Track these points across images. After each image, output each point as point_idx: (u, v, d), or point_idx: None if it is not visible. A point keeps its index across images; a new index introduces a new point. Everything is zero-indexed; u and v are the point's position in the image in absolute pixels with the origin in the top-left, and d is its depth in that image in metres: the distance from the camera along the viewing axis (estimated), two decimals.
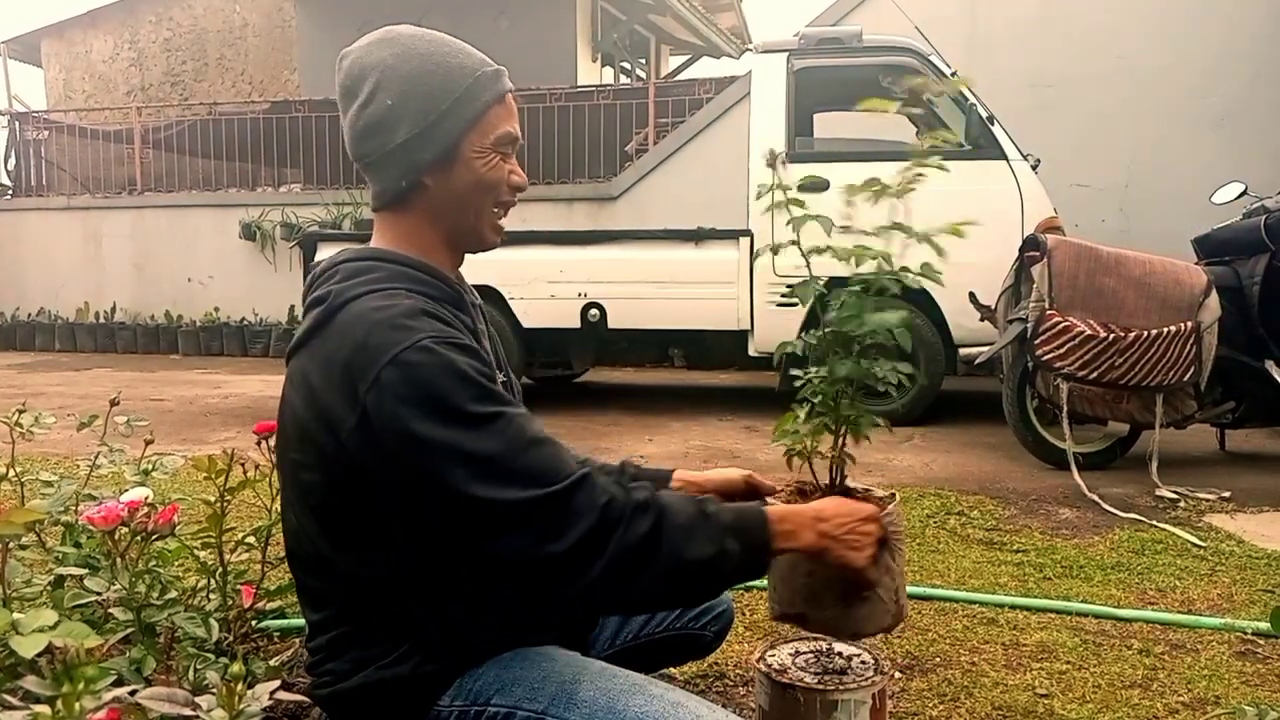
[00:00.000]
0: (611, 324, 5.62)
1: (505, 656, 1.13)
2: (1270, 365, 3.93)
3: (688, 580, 1.05)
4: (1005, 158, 5.17)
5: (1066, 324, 3.80)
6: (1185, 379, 3.79)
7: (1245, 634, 2.23)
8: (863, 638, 1.31)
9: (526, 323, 5.63)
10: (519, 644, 1.15)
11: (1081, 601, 2.45)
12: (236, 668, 0.89)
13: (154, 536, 1.51)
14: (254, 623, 1.79)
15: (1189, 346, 3.77)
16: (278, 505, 1.71)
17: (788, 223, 1.30)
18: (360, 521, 1.09)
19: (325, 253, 5.88)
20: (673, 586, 1.05)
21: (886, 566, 1.22)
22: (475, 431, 1.01)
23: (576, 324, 5.64)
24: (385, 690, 1.12)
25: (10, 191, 11.23)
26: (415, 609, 1.11)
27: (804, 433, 1.30)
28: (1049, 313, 3.85)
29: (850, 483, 1.38)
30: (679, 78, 14.37)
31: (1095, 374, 3.78)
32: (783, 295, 5.25)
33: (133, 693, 0.87)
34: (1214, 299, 3.82)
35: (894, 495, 1.30)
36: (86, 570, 1.49)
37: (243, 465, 1.71)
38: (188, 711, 0.87)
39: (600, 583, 1.00)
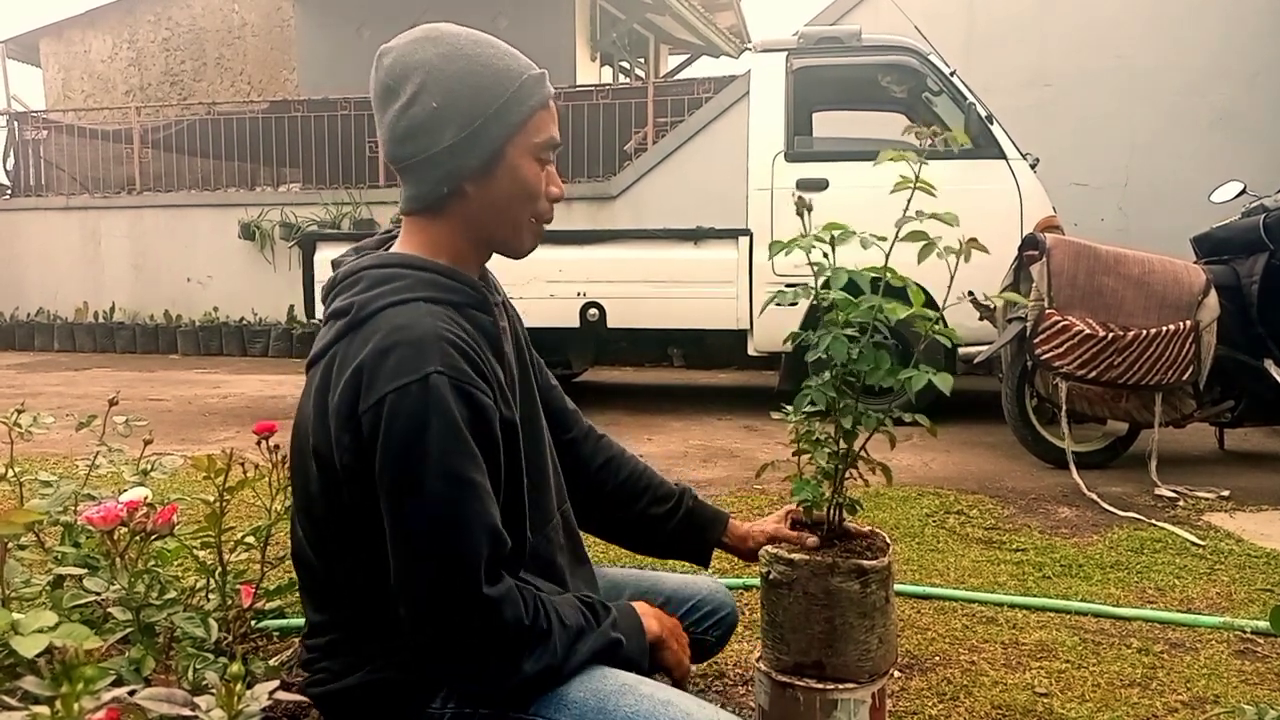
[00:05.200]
0: (611, 323, 5.62)
1: None
2: (1269, 364, 3.93)
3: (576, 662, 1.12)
4: (1004, 157, 5.16)
5: (1065, 323, 3.81)
6: (1184, 378, 3.79)
7: (1244, 633, 2.23)
8: (879, 676, 1.31)
9: (525, 322, 5.58)
10: None
11: (1081, 600, 2.45)
12: (235, 668, 0.89)
13: (153, 536, 1.50)
14: (253, 622, 1.78)
15: (1188, 345, 3.77)
16: (277, 505, 1.72)
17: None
18: (356, 534, 1.09)
19: (324, 253, 5.90)
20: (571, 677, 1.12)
21: (885, 603, 1.28)
22: (440, 486, 1.01)
23: (576, 323, 5.64)
24: (377, 691, 1.12)
25: (9, 191, 11.22)
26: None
27: (819, 488, 1.34)
28: (1048, 312, 3.85)
29: (849, 524, 1.39)
30: (678, 77, 14.38)
31: (1094, 373, 3.78)
32: (775, 297, 5.32)
33: (132, 693, 0.87)
34: (1213, 298, 3.82)
35: (889, 544, 1.35)
36: (85, 570, 1.48)
37: (242, 465, 1.71)
38: (187, 712, 0.87)
39: (516, 683, 1.07)
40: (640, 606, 1.23)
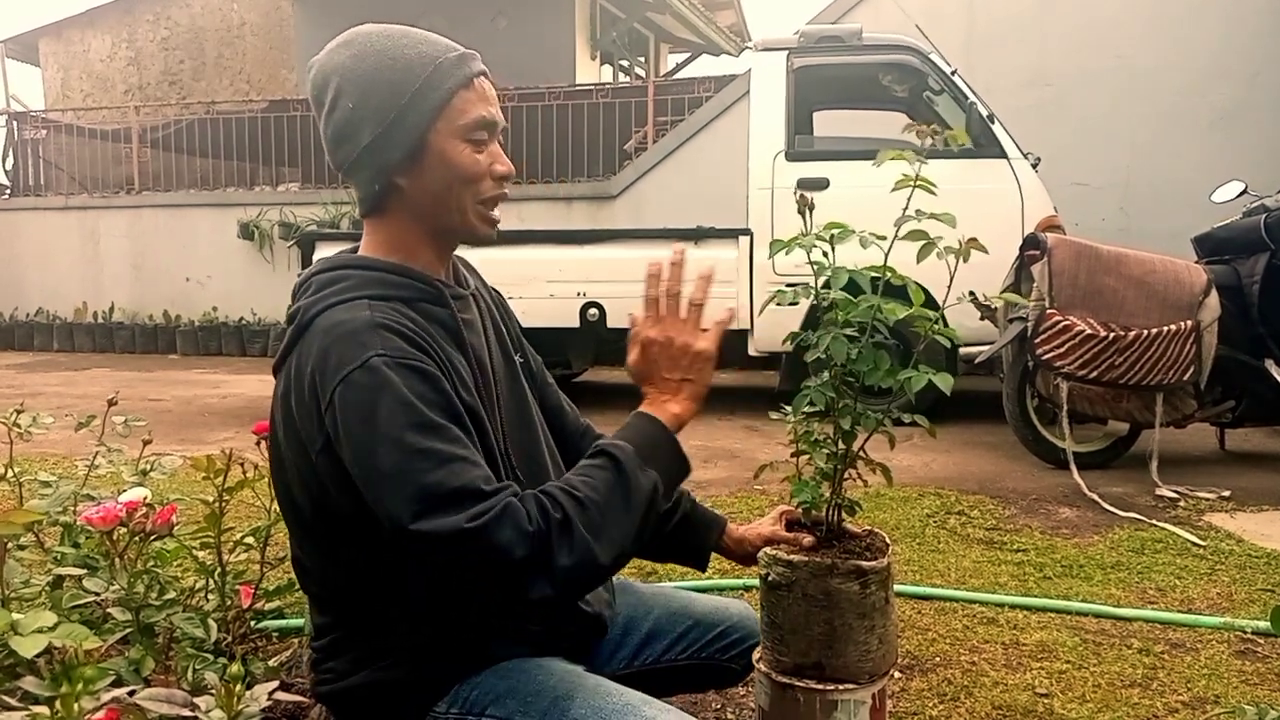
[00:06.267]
0: (611, 323, 5.62)
1: (504, 666, 1.12)
2: (1270, 364, 3.93)
3: (638, 535, 1.05)
4: (1005, 156, 5.16)
5: (1067, 323, 3.80)
6: (1185, 378, 3.79)
7: (1245, 633, 2.23)
8: (878, 677, 1.31)
9: (525, 322, 5.50)
10: (514, 654, 1.14)
11: (1081, 601, 2.45)
12: (235, 668, 0.89)
13: (152, 537, 1.50)
14: (252, 623, 1.78)
15: (1189, 345, 3.77)
16: (277, 506, 1.72)
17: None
18: (343, 538, 1.09)
19: (323, 252, 5.89)
20: (632, 545, 1.05)
21: (885, 603, 1.28)
22: (403, 460, 0.98)
23: (575, 323, 5.64)
24: (383, 691, 1.12)
25: (8, 191, 11.22)
26: (408, 618, 1.11)
27: (818, 489, 1.33)
28: (1049, 312, 3.84)
29: (847, 525, 1.39)
30: (678, 76, 14.38)
31: (1095, 373, 3.78)
32: (775, 297, 5.34)
33: (131, 693, 0.87)
34: (1214, 298, 3.82)
35: (888, 545, 1.35)
36: (85, 571, 1.48)
37: (241, 465, 1.71)
38: (186, 712, 0.86)
39: (561, 585, 0.99)
40: (654, 405, 1.13)
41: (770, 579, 1.32)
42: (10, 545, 1.38)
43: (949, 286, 1.29)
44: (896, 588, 2.04)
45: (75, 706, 0.80)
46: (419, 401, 1.01)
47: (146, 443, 1.97)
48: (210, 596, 1.71)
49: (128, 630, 1.40)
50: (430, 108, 1.09)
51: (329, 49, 1.14)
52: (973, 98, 5.23)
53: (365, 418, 1.00)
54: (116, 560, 1.47)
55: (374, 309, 1.06)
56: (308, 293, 1.14)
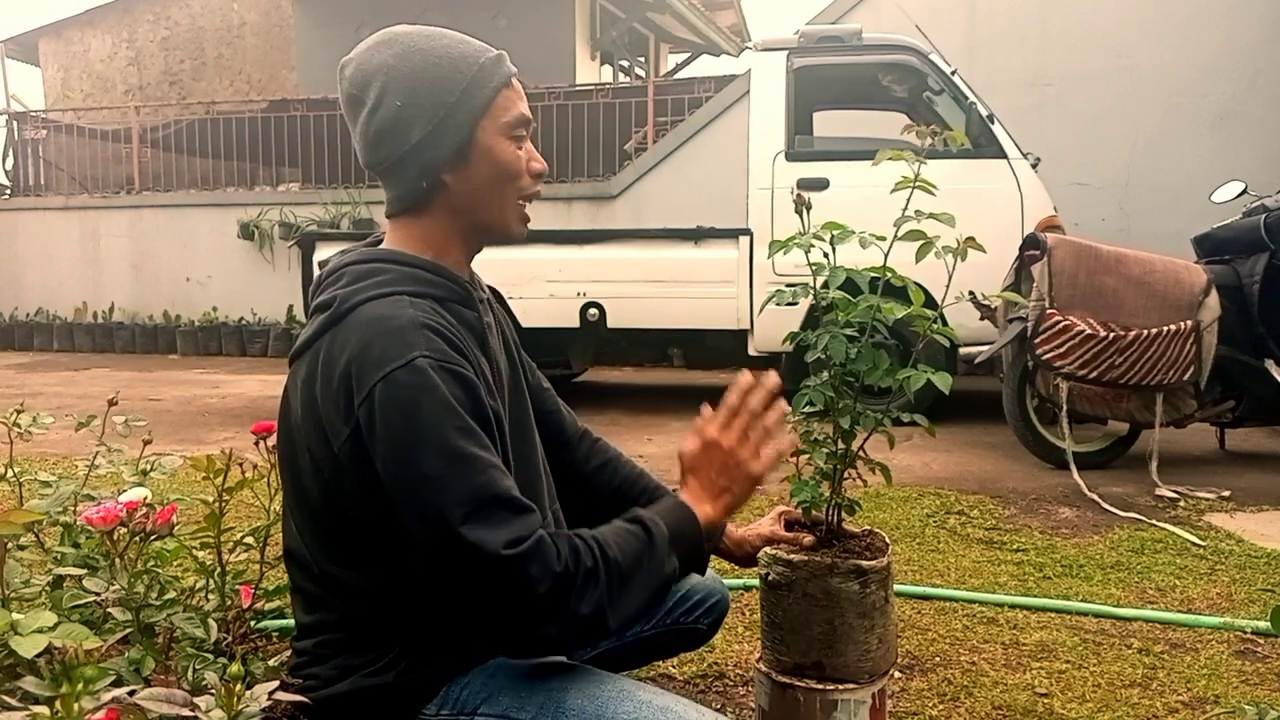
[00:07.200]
0: (610, 323, 5.62)
1: (491, 665, 1.12)
2: (1270, 364, 3.93)
3: (642, 611, 1.09)
4: (1005, 156, 5.16)
5: (1066, 323, 3.80)
6: (1185, 378, 3.79)
7: (1244, 633, 2.23)
8: (878, 677, 1.31)
9: (525, 322, 5.62)
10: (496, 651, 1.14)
11: (1081, 601, 2.45)
12: (235, 668, 0.89)
13: (152, 537, 1.50)
14: (252, 623, 1.78)
15: (1189, 345, 3.77)
16: (276, 505, 1.72)
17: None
18: (353, 531, 1.09)
19: (323, 252, 5.90)
20: (636, 616, 1.08)
21: (885, 603, 1.28)
22: (446, 465, 0.99)
23: (575, 323, 5.63)
24: (369, 698, 1.11)
25: (8, 191, 11.22)
26: (405, 618, 1.11)
27: (818, 489, 1.33)
28: (1049, 312, 3.84)
29: (846, 525, 1.39)
30: (678, 76, 14.38)
31: (1095, 373, 3.78)
32: (774, 297, 5.32)
33: (131, 693, 0.87)
34: (1214, 298, 3.82)
35: (888, 545, 1.35)
36: (85, 570, 1.48)
37: (241, 465, 1.71)
38: (186, 712, 0.86)
39: (572, 631, 1.01)
40: (694, 499, 1.16)
41: (770, 578, 1.33)
42: (10, 545, 1.38)
43: (947, 286, 1.30)
44: (896, 588, 2.04)
45: (75, 706, 0.80)
46: (460, 406, 1.02)
47: (146, 443, 1.97)
48: (210, 596, 1.71)
49: (128, 630, 1.40)
50: (478, 105, 1.12)
51: (366, 49, 1.15)
52: (972, 98, 5.23)
53: (407, 418, 1.00)
54: (116, 560, 1.46)
55: (416, 307, 1.07)
56: (340, 283, 1.13)
